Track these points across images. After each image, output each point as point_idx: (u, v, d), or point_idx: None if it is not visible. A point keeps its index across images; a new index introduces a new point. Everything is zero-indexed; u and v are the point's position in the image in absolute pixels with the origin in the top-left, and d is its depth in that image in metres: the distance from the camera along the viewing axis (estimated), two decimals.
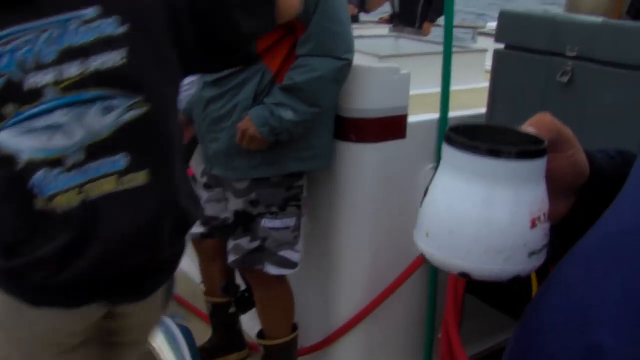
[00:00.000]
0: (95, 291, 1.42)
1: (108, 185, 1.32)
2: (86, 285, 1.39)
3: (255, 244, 2.26)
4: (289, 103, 2.05)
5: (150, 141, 1.38)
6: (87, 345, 1.48)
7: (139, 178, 1.35)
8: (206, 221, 2.47)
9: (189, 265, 3.61)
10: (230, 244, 2.30)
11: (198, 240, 2.54)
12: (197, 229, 2.48)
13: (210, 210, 2.44)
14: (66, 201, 1.29)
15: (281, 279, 2.39)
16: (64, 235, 1.31)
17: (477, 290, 2.36)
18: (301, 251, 2.30)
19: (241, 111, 2.10)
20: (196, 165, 2.65)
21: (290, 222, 2.23)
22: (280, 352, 2.47)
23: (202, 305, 3.17)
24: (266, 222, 2.21)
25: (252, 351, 2.89)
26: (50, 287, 1.38)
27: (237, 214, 2.25)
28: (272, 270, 2.27)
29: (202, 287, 3.37)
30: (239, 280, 2.65)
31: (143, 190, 1.36)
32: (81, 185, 1.30)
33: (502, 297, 2.31)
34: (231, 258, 2.31)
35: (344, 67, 2.09)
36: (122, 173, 1.33)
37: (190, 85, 2.76)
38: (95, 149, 1.30)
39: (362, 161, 2.31)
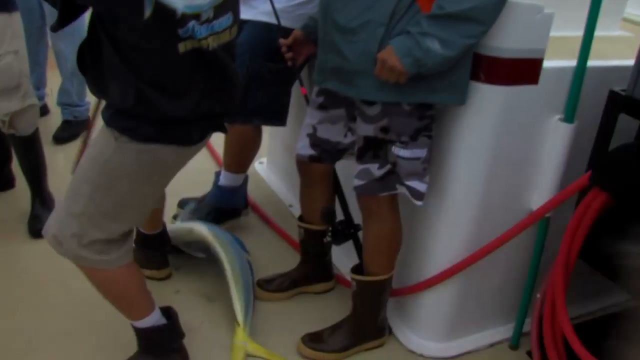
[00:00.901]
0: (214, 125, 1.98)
1: (225, 37, 1.83)
2: (212, 120, 1.96)
3: (384, 170, 2.17)
4: (438, 34, 1.89)
5: (235, 3, 1.89)
6: None
7: (234, 31, 1.88)
8: (317, 143, 2.37)
9: (278, 186, 3.60)
10: (358, 168, 2.21)
11: (305, 163, 2.45)
12: (306, 150, 2.40)
13: (323, 132, 2.34)
14: (210, 42, 1.76)
15: (396, 214, 2.30)
16: (208, 72, 1.82)
17: (590, 258, 2.21)
18: (429, 183, 2.19)
19: (374, 28, 1.95)
20: (309, 85, 2.55)
21: (421, 153, 2.12)
22: (375, 289, 2.39)
23: (290, 229, 3.16)
24: (396, 150, 2.10)
25: (339, 283, 2.84)
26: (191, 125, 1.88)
27: (368, 139, 2.15)
28: (404, 192, 2.19)
29: (291, 210, 3.36)
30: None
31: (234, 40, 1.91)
32: (214, 34, 1.76)
33: (615, 268, 2.16)
34: (356, 183, 2.22)
35: None
36: (230, 27, 1.83)
37: (301, 5, 2.65)
38: (218, 9, 1.75)
39: (487, 104, 2.14)
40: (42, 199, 3.08)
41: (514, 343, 2.59)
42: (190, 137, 1.90)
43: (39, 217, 2.99)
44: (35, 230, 2.95)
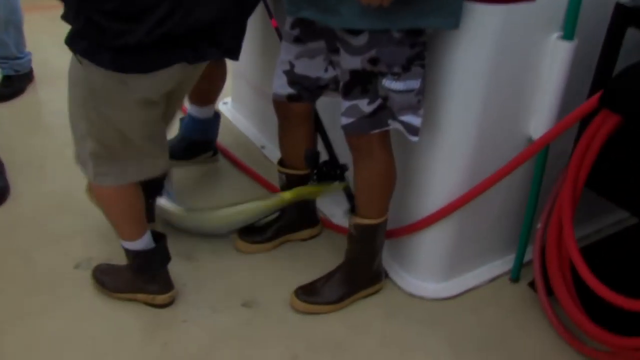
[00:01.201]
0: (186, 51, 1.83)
1: None
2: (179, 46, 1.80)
3: (374, 106, 1.97)
4: None
5: None
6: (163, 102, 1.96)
7: None
8: (295, 80, 2.15)
9: (247, 127, 3.37)
10: (344, 104, 2.01)
11: (283, 103, 2.23)
12: (283, 89, 2.18)
13: (301, 68, 2.12)
14: None
15: (389, 152, 2.12)
16: None
17: (597, 185, 2.08)
18: (423, 117, 2.00)
19: None
20: (279, 16, 2.31)
21: (415, 84, 1.92)
22: (370, 232, 2.23)
23: (265, 172, 2.97)
24: (387, 83, 1.90)
25: (325, 227, 2.68)
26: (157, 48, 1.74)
27: (354, 73, 1.93)
28: (398, 127, 2.02)
29: (264, 152, 3.15)
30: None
31: None
32: None
33: (625, 193, 2.04)
34: (344, 121, 2.03)
35: None
36: None
37: None
38: None
39: (483, 26, 1.94)
40: None
41: (514, 276, 2.48)
42: (152, 64, 1.78)
43: None
44: None
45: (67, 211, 2.70)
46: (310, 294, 2.29)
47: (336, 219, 2.70)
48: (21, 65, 3.53)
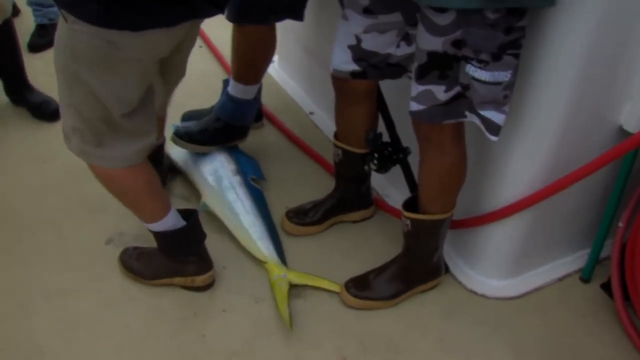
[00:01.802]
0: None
1: None
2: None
3: (451, 94, 1.72)
4: None
5: None
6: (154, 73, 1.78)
7: None
8: (362, 57, 1.90)
9: (294, 90, 3.13)
10: (415, 89, 1.76)
11: (343, 80, 1.98)
12: (346, 66, 1.93)
13: (369, 43, 1.86)
14: None
15: (461, 144, 1.88)
16: None
17: None
18: (509, 113, 1.74)
19: None
20: None
21: (504, 76, 1.63)
22: (432, 228, 2.01)
23: (314, 143, 2.75)
24: (471, 70, 1.63)
25: (378, 208, 2.46)
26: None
27: (433, 55, 1.67)
28: (476, 122, 1.77)
29: (312, 119, 2.92)
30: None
31: None
32: None
33: None
34: (414, 107, 1.78)
35: None
36: None
37: None
38: None
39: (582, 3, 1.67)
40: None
41: (586, 276, 2.25)
42: (145, 20, 1.55)
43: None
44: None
45: None
46: (362, 288, 2.09)
47: (391, 200, 2.48)
48: (56, 14, 3.29)
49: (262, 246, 2.21)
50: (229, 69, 2.81)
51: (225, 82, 2.76)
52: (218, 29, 2.98)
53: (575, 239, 2.27)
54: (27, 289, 2.08)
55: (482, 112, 1.71)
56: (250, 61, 2.47)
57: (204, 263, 2.09)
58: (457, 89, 1.71)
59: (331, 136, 2.79)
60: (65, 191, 2.45)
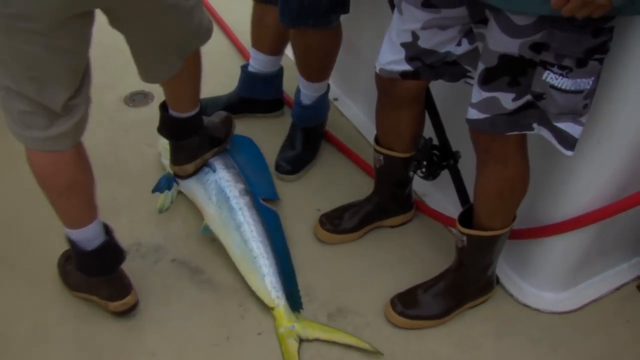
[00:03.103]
0: None
1: None
2: None
3: (520, 102, 1.51)
4: None
5: None
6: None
7: None
8: (417, 56, 1.68)
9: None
10: (478, 95, 1.55)
11: (391, 80, 1.76)
12: (398, 66, 1.71)
13: (427, 39, 1.64)
14: None
15: (525, 156, 1.67)
16: None
17: None
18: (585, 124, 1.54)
19: None
20: None
21: (586, 83, 1.41)
22: (488, 244, 1.83)
23: (344, 136, 2.54)
24: (551, 78, 1.41)
25: (418, 211, 2.26)
26: None
27: (506, 59, 1.45)
28: (546, 135, 1.55)
29: (337, 105, 2.70)
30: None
31: None
32: None
33: None
34: (473, 115, 1.58)
35: None
36: None
37: None
38: None
39: None
40: None
41: None
42: None
43: None
44: None
45: (112, 176, 2.29)
46: (409, 306, 1.91)
47: (430, 199, 2.29)
48: None
49: (270, 285, 1.94)
50: (246, 52, 2.58)
51: (243, 68, 2.54)
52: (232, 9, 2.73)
53: (630, 245, 2.11)
54: (42, 312, 1.88)
55: (558, 124, 1.51)
56: (322, 63, 2.29)
57: (119, 289, 1.83)
58: (528, 97, 1.50)
59: (358, 125, 2.62)
60: None
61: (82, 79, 1.54)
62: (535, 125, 1.55)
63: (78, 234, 1.74)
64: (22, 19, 1.32)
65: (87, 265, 1.80)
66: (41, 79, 1.44)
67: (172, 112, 2.02)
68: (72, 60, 1.47)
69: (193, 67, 1.88)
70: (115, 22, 1.55)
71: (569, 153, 1.54)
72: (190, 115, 2.03)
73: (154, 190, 2.19)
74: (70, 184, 1.64)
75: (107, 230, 1.80)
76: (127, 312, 1.85)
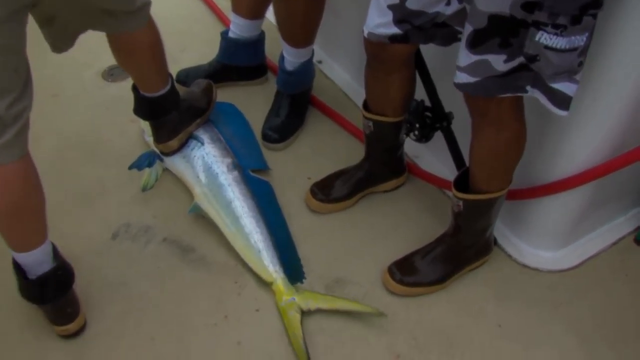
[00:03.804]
0: None
1: None
2: None
3: (512, 64, 1.46)
4: None
5: None
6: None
7: None
8: (405, 18, 1.61)
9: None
10: (467, 58, 1.49)
11: (380, 45, 1.70)
12: (386, 29, 1.65)
13: (414, 0, 1.58)
14: None
15: (521, 117, 1.63)
16: None
17: None
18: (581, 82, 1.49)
19: None
20: None
21: (580, 40, 1.35)
22: (485, 208, 1.79)
23: (329, 100, 2.49)
24: (544, 38, 1.36)
25: (411, 174, 2.22)
26: None
27: (496, 19, 1.40)
28: (540, 98, 1.50)
29: (321, 68, 2.63)
30: None
31: None
32: None
33: None
34: (463, 79, 1.52)
35: None
36: None
37: None
38: None
39: None
40: None
41: None
42: None
43: None
44: None
45: (96, 156, 2.24)
46: (407, 273, 1.89)
47: (422, 161, 2.25)
48: None
49: (267, 259, 1.90)
50: (225, 19, 2.50)
51: (223, 34, 2.46)
52: None
53: (627, 197, 2.09)
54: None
55: (554, 85, 1.46)
56: (306, 27, 2.23)
57: (61, 316, 1.71)
58: (520, 59, 1.45)
59: (343, 87, 2.56)
60: (55, 180, 2.07)
61: (24, 81, 1.41)
62: (528, 87, 1.51)
63: (23, 258, 1.59)
64: None
65: (26, 292, 1.64)
66: None
67: (144, 93, 1.95)
68: (14, 61, 1.36)
69: (150, 46, 1.79)
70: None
71: (563, 113, 1.50)
72: (163, 94, 1.95)
73: (131, 167, 2.11)
74: (13, 208, 1.48)
75: (55, 252, 1.65)
76: (73, 336, 1.74)
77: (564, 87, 1.46)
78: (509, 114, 1.60)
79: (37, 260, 1.60)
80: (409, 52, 1.75)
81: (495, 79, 1.49)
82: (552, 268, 1.98)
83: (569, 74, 1.43)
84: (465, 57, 1.50)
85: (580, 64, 1.42)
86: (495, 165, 1.71)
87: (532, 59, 1.40)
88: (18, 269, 1.61)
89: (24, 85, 1.40)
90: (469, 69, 1.51)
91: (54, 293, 1.66)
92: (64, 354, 1.73)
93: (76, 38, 1.61)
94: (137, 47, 1.76)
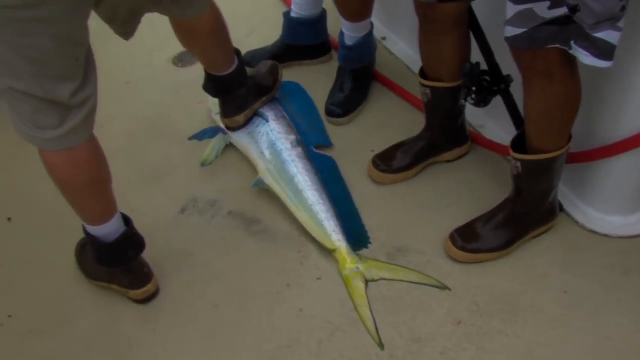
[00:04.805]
0: None
1: None
2: None
3: (559, 12, 1.42)
4: None
5: None
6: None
7: None
8: None
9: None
10: (514, 8, 1.48)
11: (429, 5, 1.70)
12: None
13: None
14: None
15: (574, 70, 1.58)
16: None
17: None
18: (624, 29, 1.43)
19: None
20: None
21: None
22: (545, 168, 1.75)
23: (393, 74, 2.48)
24: None
25: (475, 144, 2.20)
26: None
27: None
28: (582, 55, 1.46)
29: (385, 44, 2.63)
30: None
31: None
32: None
33: None
34: (510, 32, 1.51)
35: None
36: None
37: None
38: None
39: None
40: None
41: None
42: None
43: None
44: None
45: (165, 137, 2.32)
46: (469, 240, 1.87)
47: (487, 131, 2.21)
48: None
49: (330, 228, 1.94)
50: (290, 1, 2.54)
51: (286, 15, 2.50)
52: None
53: None
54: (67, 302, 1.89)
55: (598, 34, 1.41)
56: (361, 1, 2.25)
57: (138, 277, 1.82)
58: (563, 10, 1.41)
59: (406, 61, 2.55)
60: (126, 159, 2.22)
61: (86, 68, 1.47)
62: (572, 43, 1.46)
63: (98, 230, 1.71)
64: (26, 8, 1.27)
65: (106, 257, 1.77)
66: (47, 73, 1.38)
67: (213, 72, 2.01)
68: (77, 49, 1.43)
69: (211, 31, 1.86)
70: None
71: (607, 64, 1.46)
72: (229, 73, 2.02)
73: (191, 138, 2.20)
74: (89, 181, 1.60)
75: (127, 220, 1.77)
76: (148, 300, 1.84)
77: (607, 35, 1.42)
78: (558, 67, 1.56)
79: (113, 229, 1.71)
80: (460, 11, 1.74)
81: (543, 27, 1.47)
82: (622, 234, 1.92)
83: (612, 21, 1.40)
84: (510, 8, 1.50)
85: (623, 8, 1.39)
86: (549, 122, 1.67)
87: (574, 9, 1.38)
88: (94, 241, 1.72)
89: (85, 73, 1.47)
90: (514, 21, 1.49)
91: (134, 251, 1.78)
92: (135, 319, 1.81)
93: (141, 20, 1.67)
94: (199, 32, 1.84)
